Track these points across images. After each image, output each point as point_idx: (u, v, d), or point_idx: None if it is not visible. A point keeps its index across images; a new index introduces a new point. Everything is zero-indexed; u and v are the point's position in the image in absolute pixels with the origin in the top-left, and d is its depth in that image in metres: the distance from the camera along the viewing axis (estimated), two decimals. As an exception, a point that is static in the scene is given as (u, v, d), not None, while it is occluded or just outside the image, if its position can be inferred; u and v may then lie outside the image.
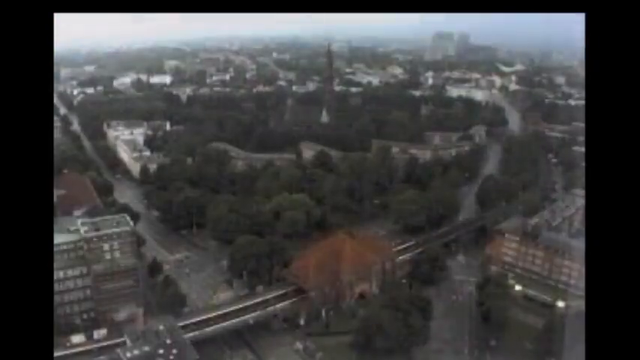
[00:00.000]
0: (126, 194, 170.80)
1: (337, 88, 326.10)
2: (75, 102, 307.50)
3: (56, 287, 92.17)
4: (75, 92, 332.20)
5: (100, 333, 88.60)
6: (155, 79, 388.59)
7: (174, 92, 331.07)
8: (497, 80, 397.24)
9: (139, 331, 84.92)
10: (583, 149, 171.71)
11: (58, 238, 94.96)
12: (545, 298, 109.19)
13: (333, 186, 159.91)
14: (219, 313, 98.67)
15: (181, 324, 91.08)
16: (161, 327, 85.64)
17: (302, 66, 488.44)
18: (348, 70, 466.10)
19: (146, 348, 78.61)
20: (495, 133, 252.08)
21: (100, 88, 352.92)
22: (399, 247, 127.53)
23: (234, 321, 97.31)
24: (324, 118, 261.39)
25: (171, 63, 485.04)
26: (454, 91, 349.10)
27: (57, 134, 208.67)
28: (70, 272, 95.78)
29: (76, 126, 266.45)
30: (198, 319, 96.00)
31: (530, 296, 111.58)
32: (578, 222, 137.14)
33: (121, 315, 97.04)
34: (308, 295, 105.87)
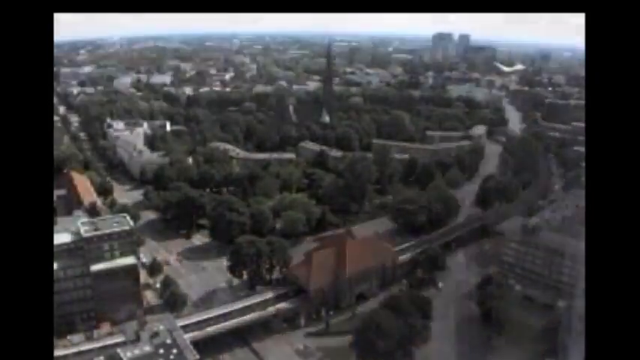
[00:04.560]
0: (126, 194, 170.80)
1: (337, 88, 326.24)
2: (75, 102, 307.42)
3: (56, 287, 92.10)
4: (75, 92, 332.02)
5: (100, 333, 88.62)
6: (155, 79, 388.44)
7: (174, 92, 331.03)
8: (498, 80, 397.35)
9: (139, 331, 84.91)
10: (583, 149, 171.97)
11: (58, 238, 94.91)
12: (544, 298, 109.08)
13: (333, 186, 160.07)
14: (220, 313, 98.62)
15: (181, 324, 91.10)
16: (161, 327, 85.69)
17: (302, 66, 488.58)
18: (348, 70, 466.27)
19: (146, 348, 78.67)
20: (495, 132, 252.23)
21: (100, 88, 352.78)
22: (399, 247, 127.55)
23: (234, 321, 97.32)
24: (324, 118, 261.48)
25: (171, 63, 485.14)
26: (454, 91, 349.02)
27: (57, 134, 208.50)
28: (69, 272, 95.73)
29: (76, 126, 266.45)
30: (199, 319, 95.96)
31: (529, 296, 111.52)
32: (578, 222, 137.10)
33: (121, 315, 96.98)
34: (308, 295, 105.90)
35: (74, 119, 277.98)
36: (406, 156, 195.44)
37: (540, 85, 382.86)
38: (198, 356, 79.66)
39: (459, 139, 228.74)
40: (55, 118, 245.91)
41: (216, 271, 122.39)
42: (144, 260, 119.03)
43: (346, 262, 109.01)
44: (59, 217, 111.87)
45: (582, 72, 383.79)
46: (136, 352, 77.56)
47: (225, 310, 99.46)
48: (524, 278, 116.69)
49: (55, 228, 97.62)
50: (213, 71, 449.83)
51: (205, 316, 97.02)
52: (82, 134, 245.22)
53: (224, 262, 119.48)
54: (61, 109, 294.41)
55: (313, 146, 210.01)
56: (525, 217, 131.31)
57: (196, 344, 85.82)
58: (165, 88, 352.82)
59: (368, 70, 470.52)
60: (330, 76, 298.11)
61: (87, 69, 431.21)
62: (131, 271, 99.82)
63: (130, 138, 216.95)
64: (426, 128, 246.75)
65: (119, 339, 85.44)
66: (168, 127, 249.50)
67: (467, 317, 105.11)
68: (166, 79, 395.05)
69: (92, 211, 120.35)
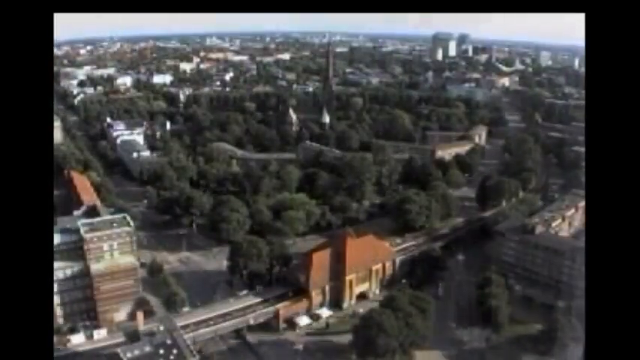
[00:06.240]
0: (126, 194, 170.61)
1: (337, 88, 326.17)
2: (75, 102, 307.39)
3: (56, 287, 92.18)
4: (75, 92, 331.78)
5: (100, 333, 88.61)
6: (155, 79, 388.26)
7: (174, 92, 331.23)
8: (498, 80, 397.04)
9: (139, 331, 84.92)
10: (583, 149, 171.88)
11: (58, 238, 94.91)
12: (544, 298, 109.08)
13: (333, 186, 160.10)
14: (220, 313, 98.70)
15: (181, 324, 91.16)
16: (161, 327, 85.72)
17: (302, 66, 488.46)
18: (348, 70, 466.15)
19: (146, 348, 78.64)
20: (495, 133, 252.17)
21: (100, 88, 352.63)
22: (399, 247, 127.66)
23: (234, 321, 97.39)
24: (324, 118, 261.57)
25: (171, 63, 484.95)
26: (454, 91, 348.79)
27: (57, 134, 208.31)
28: (69, 272, 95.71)
29: (75, 126, 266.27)
30: (199, 319, 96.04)
31: (529, 296, 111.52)
32: (578, 222, 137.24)
33: (121, 315, 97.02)
34: (308, 295, 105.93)
35: (74, 119, 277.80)
36: (406, 156, 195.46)
37: (540, 85, 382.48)
38: (198, 356, 79.71)
39: (459, 139, 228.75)
40: (55, 117, 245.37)
41: (216, 271, 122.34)
42: (143, 260, 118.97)
43: (346, 262, 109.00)
44: (59, 217, 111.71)
45: (582, 72, 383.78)
46: (136, 352, 77.53)
47: (225, 310, 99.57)
48: (524, 278, 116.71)
49: (55, 228, 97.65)
50: (213, 71, 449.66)
51: (205, 316, 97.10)
52: (81, 134, 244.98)
53: (224, 262, 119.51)
54: (61, 109, 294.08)
55: (313, 146, 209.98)
56: (525, 217, 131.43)
57: (196, 344, 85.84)
58: (165, 88, 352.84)
59: (368, 70, 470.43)
60: (329, 76, 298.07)
61: (87, 69, 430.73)
62: (131, 271, 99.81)
63: (130, 138, 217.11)
64: (425, 128, 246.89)
65: (119, 339, 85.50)
66: (168, 127, 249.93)
67: (466, 317, 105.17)
68: (166, 79, 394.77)
69: (92, 211, 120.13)
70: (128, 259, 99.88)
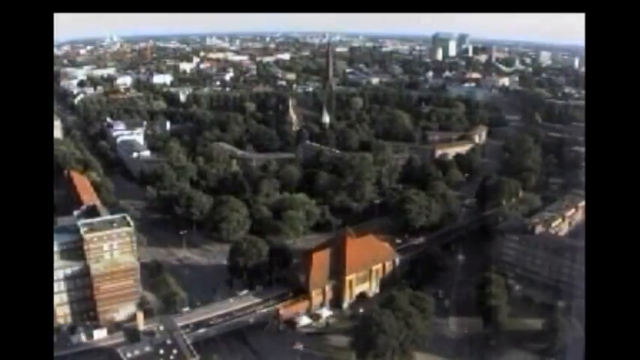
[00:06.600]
0: (126, 194, 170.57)
1: (337, 88, 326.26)
2: (75, 102, 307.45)
3: (56, 287, 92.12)
4: (75, 92, 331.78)
5: (100, 333, 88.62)
6: (155, 79, 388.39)
7: (174, 92, 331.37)
8: (498, 80, 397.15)
9: (139, 331, 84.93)
10: (583, 149, 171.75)
11: (58, 238, 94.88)
12: (544, 298, 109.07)
13: (333, 186, 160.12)
14: (219, 313, 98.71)
15: (181, 324, 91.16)
16: (161, 327, 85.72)
17: (302, 66, 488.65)
18: (348, 70, 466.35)
19: (146, 348, 78.67)
20: (495, 132, 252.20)
21: (100, 88, 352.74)
22: (399, 247, 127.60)
23: (234, 321, 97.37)
24: (324, 118, 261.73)
25: (171, 63, 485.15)
26: (454, 91, 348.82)
27: (57, 134, 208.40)
28: (69, 272, 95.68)
29: (75, 126, 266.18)
30: (198, 319, 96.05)
31: (529, 296, 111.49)
32: (578, 222, 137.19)
33: (121, 315, 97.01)
34: (308, 295, 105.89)
35: (74, 119, 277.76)
36: (406, 156, 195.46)
37: (540, 85, 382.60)
38: (198, 356, 79.70)
39: (459, 139, 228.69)
40: (55, 117, 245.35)
41: (215, 271, 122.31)
42: (143, 260, 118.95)
43: (346, 262, 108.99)
44: (59, 217, 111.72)
45: (582, 72, 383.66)
46: (136, 352, 77.55)
47: (225, 310, 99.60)
48: (524, 278, 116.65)
49: (55, 228, 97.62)
50: (213, 71, 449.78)
51: (205, 316, 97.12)
52: (81, 134, 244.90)
53: (224, 262, 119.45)
54: (61, 109, 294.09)
55: (313, 146, 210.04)
56: (525, 217, 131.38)
57: (196, 344, 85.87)
58: (165, 88, 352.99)
59: (368, 70, 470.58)
60: (329, 76, 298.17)
61: (87, 69, 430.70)
62: (131, 271, 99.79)
63: (129, 138, 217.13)
64: (425, 128, 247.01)
65: (119, 339, 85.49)
66: (168, 127, 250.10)
67: (466, 317, 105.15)
68: (166, 79, 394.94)
69: (92, 211, 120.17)
70: (128, 259, 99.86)
